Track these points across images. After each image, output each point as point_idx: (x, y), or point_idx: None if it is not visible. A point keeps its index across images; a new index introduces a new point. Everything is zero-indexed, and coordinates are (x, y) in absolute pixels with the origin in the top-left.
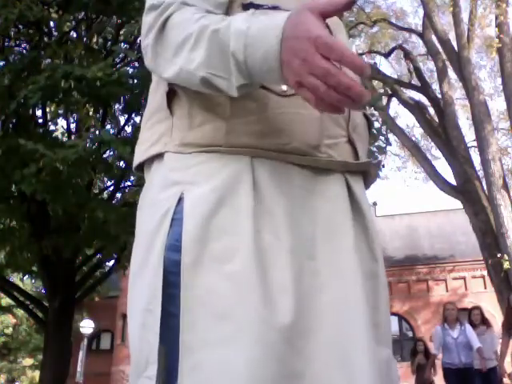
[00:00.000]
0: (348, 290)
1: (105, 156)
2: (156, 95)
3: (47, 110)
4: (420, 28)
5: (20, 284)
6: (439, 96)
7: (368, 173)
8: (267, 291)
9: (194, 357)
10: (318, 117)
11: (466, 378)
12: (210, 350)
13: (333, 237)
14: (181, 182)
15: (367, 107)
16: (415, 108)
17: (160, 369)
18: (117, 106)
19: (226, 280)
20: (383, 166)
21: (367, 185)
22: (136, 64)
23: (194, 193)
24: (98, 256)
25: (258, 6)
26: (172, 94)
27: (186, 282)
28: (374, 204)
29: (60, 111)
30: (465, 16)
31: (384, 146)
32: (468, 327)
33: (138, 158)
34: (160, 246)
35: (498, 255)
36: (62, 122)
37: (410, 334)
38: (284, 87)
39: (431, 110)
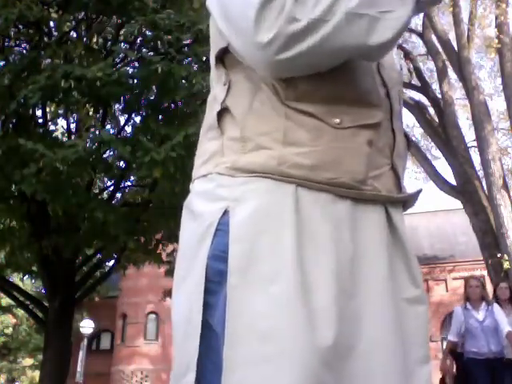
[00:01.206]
0: (382, 318)
1: (105, 156)
2: (212, 111)
3: (47, 109)
4: (420, 28)
5: (20, 284)
6: (439, 96)
7: (408, 201)
8: (310, 314)
9: (238, 373)
10: (366, 152)
11: (495, 370)
12: (253, 368)
13: (370, 265)
14: (227, 198)
15: None
16: (415, 108)
17: (198, 377)
18: (117, 105)
19: (270, 301)
20: None
21: (405, 210)
22: (136, 64)
23: (240, 210)
24: (98, 256)
25: None
26: (224, 112)
27: (232, 300)
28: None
29: (60, 111)
30: (465, 16)
31: None
32: (496, 307)
33: (193, 175)
34: (203, 255)
35: (498, 255)
36: (62, 122)
37: None
38: (337, 120)
39: (431, 110)
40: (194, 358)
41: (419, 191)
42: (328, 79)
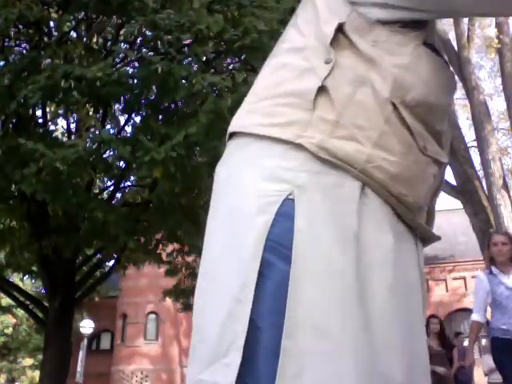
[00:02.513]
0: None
1: (105, 156)
2: (303, 79)
3: (47, 109)
4: None
5: (20, 284)
6: None
7: (427, 241)
8: (366, 313)
9: (297, 363)
10: (431, 182)
11: None
12: (312, 360)
13: (411, 288)
14: (290, 181)
15: None
16: None
17: (243, 361)
18: (117, 105)
19: (328, 296)
20: None
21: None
22: (136, 64)
23: (305, 205)
24: (98, 256)
25: (436, 51)
26: (321, 90)
27: (292, 292)
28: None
29: (60, 111)
30: None
31: None
32: None
33: (244, 127)
34: (257, 237)
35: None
36: (62, 122)
37: None
38: (423, 144)
39: None
40: (241, 340)
41: (439, 238)
42: (432, 104)
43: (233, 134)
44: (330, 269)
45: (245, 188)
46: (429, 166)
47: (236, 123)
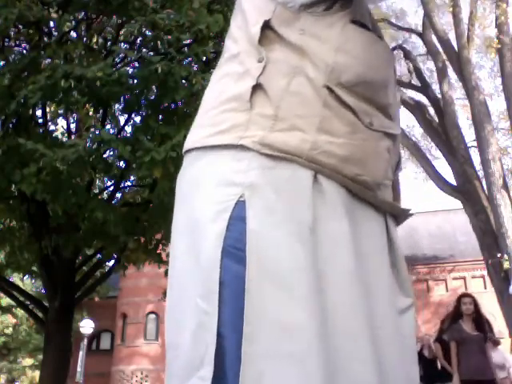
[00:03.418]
0: (388, 329)
1: (105, 156)
2: (239, 83)
3: (47, 110)
4: (420, 28)
5: (20, 284)
6: (439, 96)
7: (400, 218)
8: (325, 309)
9: (257, 367)
10: (387, 158)
11: None
12: (274, 363)
13: (377, 273)
14: (241, 183)
15: None
16: (415, 108)
17: (215, 371)
18: (117, 105)
19: (289, 294)
20: None
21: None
22: (136, 64)
23: (256, 204)
24: (98, 256)
25: (366, 27)
26: (256, 89)
27: (250, 295)
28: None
29: (60, 111)
30: (465, 16)
31: None
32: None
33: (198, 142)
34: (214, 245)
35: (498, 255)
36: (62, 122)
37: None
38: (369, 119)
39: (431, 110)
40: (211, 353)
41: (412, 213)
42: (369, 79)
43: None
44: (286, 266)
45: (200, 198)
46: (380, 140)
47: (189, 139)
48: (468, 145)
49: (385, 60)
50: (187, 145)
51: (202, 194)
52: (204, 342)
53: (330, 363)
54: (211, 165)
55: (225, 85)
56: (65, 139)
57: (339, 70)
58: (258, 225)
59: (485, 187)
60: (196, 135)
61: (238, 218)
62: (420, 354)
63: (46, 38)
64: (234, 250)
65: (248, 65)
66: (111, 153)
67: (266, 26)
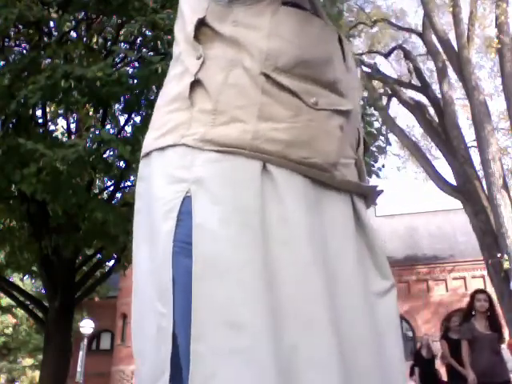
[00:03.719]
0: (355, 314)
1: (105, 156)
2: (180, 82)
3: (47, 110)
4: (420, 28)
5: (20, 284)
6: (439, 96)
7: (370, 197)
8: (276, 301)
9: (206, 366)
10: (339, 136)
11: None
12: (223, 361)
13: (339, 257)
14: (187, 179)
15: (367, 107)
16: (415, 108)
17: (175, 375)
18: (117, 105)
19: (235, 288)
20: (383, 166)
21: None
22: (136, 64)
23: (202, 197)
24: (98, 256)
25: (298, 6)
26: (195, 85)
27: (197, 290)
28: (374, 204)
29: (60, 111)
30: (465, 16)
31: (384, 145)
32: None
33: (148, 146)
34: (165, 244)
35: (498, 255)
36: (62, 122)
37: (410, 334)
38: (314, 99)
39: (431, 110)
40: (168, 357)
41: (382, 190)
42: (308, 59)
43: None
44: (232, 259)
45: (152, 201)
46: (329, 119)
47: (144, 145)
48: (468, 145)
49: (323, 36)
50: (142, 150)
51: (153, 196)
52: (164, 346)
53: (282, 359)
54: (157, 167)
55: (170, 87)
56: (65, 139)
57: (274, 56)
58: (203, 218)
59: (485, 187)
60: (146, 140)
61: (186, 213)
62: (418, 353)
63: (46, 38)
64: (185, 245)
65: (187, 63)
66: (111, 153)
67: (202, 24)
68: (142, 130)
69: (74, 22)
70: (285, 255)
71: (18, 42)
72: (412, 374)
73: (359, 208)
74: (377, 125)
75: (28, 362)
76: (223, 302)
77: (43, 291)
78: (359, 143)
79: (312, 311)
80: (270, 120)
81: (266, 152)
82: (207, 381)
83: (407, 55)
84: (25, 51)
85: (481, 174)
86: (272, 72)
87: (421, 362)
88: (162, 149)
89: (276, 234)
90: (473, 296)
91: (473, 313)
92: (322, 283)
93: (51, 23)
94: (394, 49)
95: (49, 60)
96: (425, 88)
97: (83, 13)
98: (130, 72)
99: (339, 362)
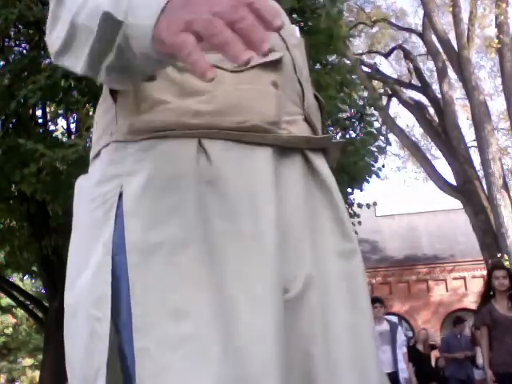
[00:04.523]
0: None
1: None
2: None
3: (47, 109)
4: (420, 28)
5: (20, 284)
6: (439, 96)
7: (328, 150)
8: (219, 283)
9: (155, 362)
10: (274, 92)
11: None
12: (172, 352)
13: (291, 222)
14: (119, 174)
15: (367, 107)
16: (415, 108)
17: (111, 381)
18: None
19: (175, 274)
20: (383, 166)
21: (328, 162)
22: None
23: (132, 186)
24: None
25: None
26: None
27: (135, 280)
28: (374, 204)
29: (60, 111)
30: (465, 16)
31: (384, 145)
32: None
33: (91, 155)
34: (104, 247)
35: (498, 255)
36: (62, 122)
37: (410, 333)
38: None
39: (431, 110)
40: (104, 362)
41: (342, 142)
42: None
43: None
44: (168, 244)
45: (86, 206)
46: (258, 77)
47: None
48: (468, 145)
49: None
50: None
51: (88, 202)
52: (98, 352)
53: (230, 342)
54: (93, 172)
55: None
56: (65, 139)
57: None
58: (132, 207)
59: (485, 187)
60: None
61: (121, 212)
62: (414, 348)
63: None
64: (123, 243)
65: None
66: None
67: None
68: None
69: None
70: (227, 232)
71: (17, 42)
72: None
73: (316, 163)
74: (377, 125)
75: (28, 361)
76: (163, 290)
77: (43, 291)
78: (304, 98)
79: (260, 290)
80: (192, 94)
81: (195, 127)
82: (158, 376)
83: (407, 55)
84: (25, 51)
85: (481, 173)
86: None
87: (416, 358)
88: (97, 154)
89: (214, 212)
90: (490, 273)
91: (491, 293)
92: (269, 258)
93: None
94: (393, 49)
95: (49, 60)
96: (425, 88)
97: None
98: None
99: (279, 336)
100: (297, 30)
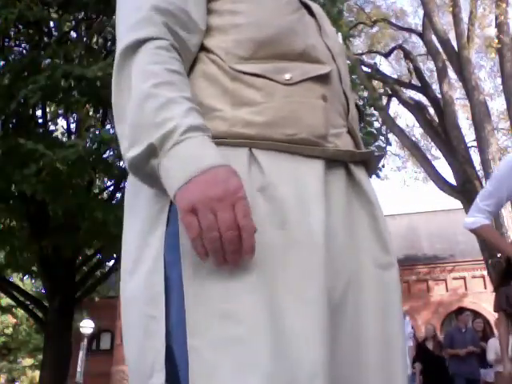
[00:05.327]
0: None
1: (105, 156)
2: None
3: (47, 109)
4: (420, 28)
5: (20, 284)
6: (439, 96)
7: (369, 162)
8: (270, 288)
9: (205, 360)
10: (323, 106)
11: None
12: (222, 353)
13: (336, 233)
14: None
15: (367, 107)
16: (415, 108)
17: (167, 377)
18: None
19: (228, 279)
20: (383, 166)
21: (368, 174)
22: None
23: None
24: (98, 256)
25: None
26: None
27: (188, 285)
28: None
29: (60, 111)
30: (465, 16)
31: (384, 145)
32: None
33: None
34: (157, 247)
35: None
36: (62, 122)
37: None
38: (287, 76)
39: (431, 110)
40: (161, 359)
41: (382, 155)
42: (267, 38)
43: None
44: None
45: (149, 194)
46: (308, 91)
47: None
48: (468, 145)
49: (277, 9)
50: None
51: (152, 195)
52: (153, 349)
53: (278, 344)
54: None
55: None
56: (65, 139)
57: (233, 48)
58: None
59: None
60: None
61: (175, 212)
62: (422, 347)
63: (46, 38)
64: (176, 244)
65: None
66: (111, 153)
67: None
68: None
69: (73, 22)
70: (278, 239)
71: (17, 42)
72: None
73: (359, 177)
74: (377, 125)
75: (28, 361)
76: (216, 294)
77: (43, 291)
78: (349, 108)
79: (308, 294)
80: (245, 105)
81: (247, 137)
82: (206, 376)
83: (407, 55)
84: (25, 51)
85: (481, 173)
86: (236, 64)
87: (425, 358)
88: None
89: (267, 219)
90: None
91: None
92: (319, 263)
93: (51, 23)
94: (393, 49)
95: (49, 60)
96: (425, 88)
97: (83, 13)
98: None
99: (326, 341)
100: (339, 35)
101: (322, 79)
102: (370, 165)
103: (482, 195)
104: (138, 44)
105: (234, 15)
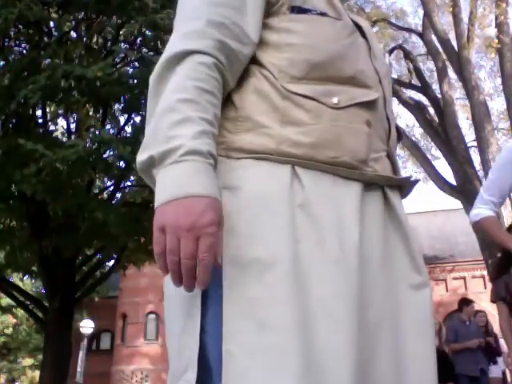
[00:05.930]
0: (381, 307)
1: (105, 156)
2: None
3: (47, 110)
4: (420, 28)
5: (20, 284)
6: (439, 96)
7: (404, 187)
8: (303, 302)
9: (239, 364)
10: (366, 131)
11: None
12: (253, 358)
13: (372, 252)
14: (220, 186)
15: None
16: (415, 108)
17: (200, 374)
18: (117, 105)
19: (265, 289)
20: None
21: (401, 197)
22: (136, 64)
23: (232, 199)
24: (98, 256)
25: (305, 11)
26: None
27: (227, 292)
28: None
29: (60, 111)
30: (465, 16)
31: None
32: None
33: None
34: None
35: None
36: (62, 122)
37: None
38: (335, 100)
39: (431, 110)
40: (195, 356)
41: (417, 181)
42: (320, 61)
43: None
44: (261, 261)
45: None
46: (354, 115)
47: None
48: (468, 145)
49: (335, 33)
50: None
51: None
52: (188, 346)
53: (309, 356)
54: None
55: None
56: (65, 139)
57: (286, 66)
58: (232, 222)
59: None
60: None
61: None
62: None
63: (46, 38)
64: None
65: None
66: (111, 153)
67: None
68: (141, 130)
69: (73, 22)
70: (314, 254)
71: (17, 42)
72: None
73: (393, 201)
74: None
75: (28, 361)
76: (252, 303)
77: (43, 291)
78: (390, 133)
79: (340, 311)
80: (292, 124)
81: (292, 155)
82: (239, 378)
83: (407, 55)
84: (25, 51)
85: (481, 173)
86: (287, 83)
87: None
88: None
89: (304, 234)
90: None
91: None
92: (352, 282)
93: (51, 23)
94: (393, 49)
95: (49, 60)
96: (425, 88)
97: (83, 13)
98: (130, 72)
99: (355, 355)
100: (386, 56)
101: (368, 105)
102: (405, 189)
103: (485, 186)
104: (184, 55)
105: (290, 34)
